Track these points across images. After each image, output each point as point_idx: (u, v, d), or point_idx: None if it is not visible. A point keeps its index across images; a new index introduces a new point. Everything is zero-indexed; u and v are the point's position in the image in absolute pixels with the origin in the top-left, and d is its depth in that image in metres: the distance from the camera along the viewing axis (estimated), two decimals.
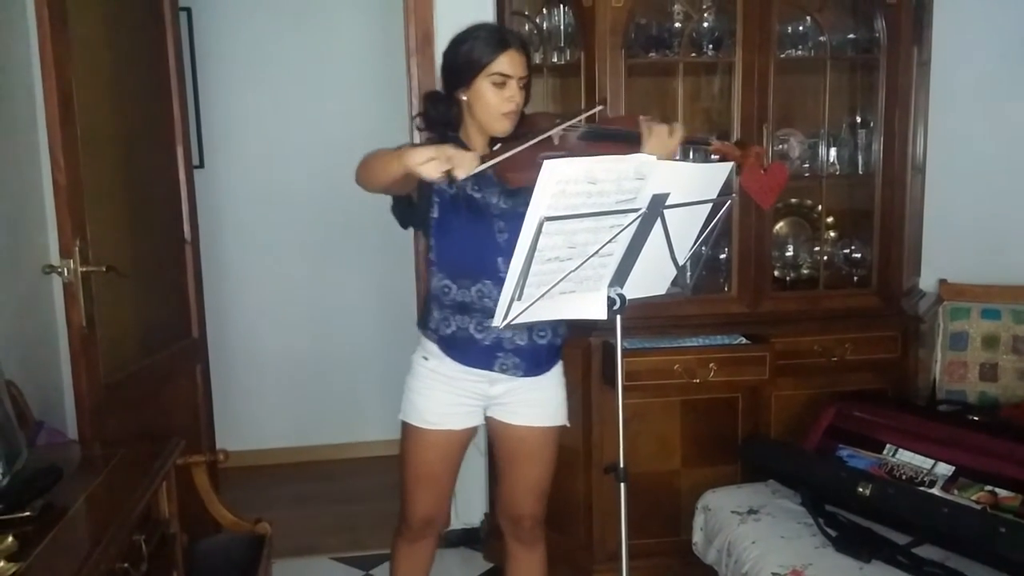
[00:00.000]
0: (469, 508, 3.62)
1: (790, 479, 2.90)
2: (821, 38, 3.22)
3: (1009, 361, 3.49)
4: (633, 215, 1.85)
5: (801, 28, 3.25)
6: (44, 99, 2.53)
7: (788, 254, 3.50)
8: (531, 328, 2.29)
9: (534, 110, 2.39)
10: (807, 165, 3.41)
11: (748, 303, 3.21)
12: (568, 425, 2.48)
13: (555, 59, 3.28)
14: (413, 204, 2.26)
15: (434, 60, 3.31)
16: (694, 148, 2.96)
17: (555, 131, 2.10)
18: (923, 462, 2.74)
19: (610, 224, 1.84)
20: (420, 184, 2.11)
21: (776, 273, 3.40)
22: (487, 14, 3.28)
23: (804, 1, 3.21)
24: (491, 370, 2.31)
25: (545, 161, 1.66)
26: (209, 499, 2.75)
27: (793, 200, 3.51)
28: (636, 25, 3.13)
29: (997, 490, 2.56)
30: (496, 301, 1.93)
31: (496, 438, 2.47)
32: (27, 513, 1.74)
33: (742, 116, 3.11)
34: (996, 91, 3.60)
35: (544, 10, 3.32)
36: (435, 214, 2.24)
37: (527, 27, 3.30)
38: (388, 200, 2.31)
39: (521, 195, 1.72)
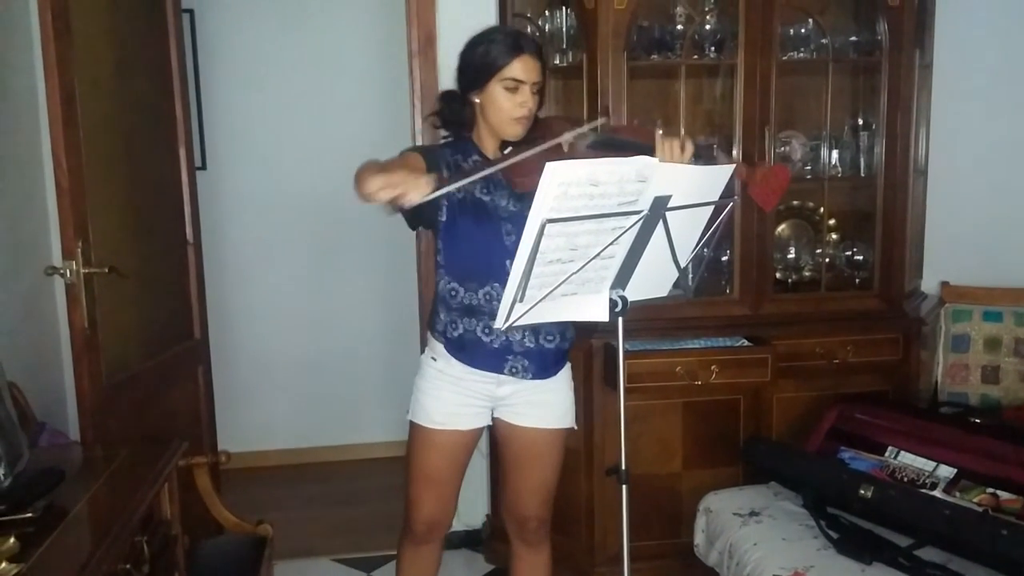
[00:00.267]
0: (471, 510, 3.62)
1: (792, 481, 2.90)
2: (823, 40, 3.23)
3: (1011, 363, 3.48)
4: (635, 217, 1.85)
5: (803, 30, 3.26)
6: (47, 100, 2.53)
7: (790, 256, 3.50)
8: (538, 332, 2.29)
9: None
10: (809, 167, 3.42)
11: (750, 305, 3.21)
12: (575, 428, 2.47)
13: (557, 61, 3.28)
14: (421, 206, 2.25)
15: (436, 62, 3.32)
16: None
17: (564, 138, 2.10)
18: (925, 464, 2.74)
19: (612, 226, 1.84)
20: None
21: (778, 275, 3.40)
22: (489, 16, 3.29)
23: (806, 3, 3.21)
24: (501, 373, 2.31)
25: (547, 163, 1.67)
26: (211, 500, 2.75)
27: (795, 202, 3.51)
28: (638, 27, 3.13)
29: (999, 492, 2.56)
30: None
31: (503, 439, 2.46)
32: (29, 514, 1.74)
33: (744, 118, 3.11)
34: (998, 93, 3.60)
35: (546, 12, 3.32)
36: (443, 217, 2.25)
37: (529, 29, 3.30)
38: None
39: (529, 199, 1.72)
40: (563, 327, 2.34)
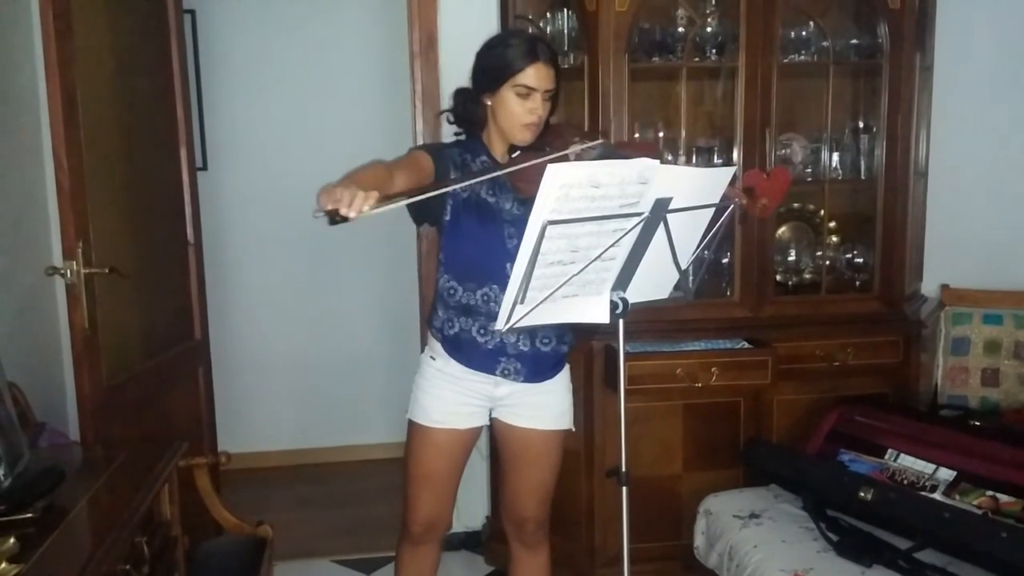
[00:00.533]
0: (471, 512, 3.62)
1: (792, 483, 2.90)
2: (824, 43, 3.23)
3: (1011, 366, 3.49)
4: (636, 219, 1.85)
5: (804, 33, 3.26)
6: (48, 100, 2.53)
7: (790, 259, 3.50)
8: (535, 334, 2.30)
9: None
10: (809, 170, 3.42)
11: (750, 307, 3.21)
12: (573, 430, 2.47)
13: (560, 68, 3.27)
14: (428, 202, 2.26)
15: (437, 63, 3.32)
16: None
17: (572, 151, 2.11)
18: (925, 467, 2.74)
19: (613, 228, 1.84)
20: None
21: (778, 278, 3.39)
22: (490, 18, 3.29)
23: (807, 6, 3.22)
24: (493, 374, 2.31)
25: (548, 165, 1.67)
26: (211, 501, 2.75)
27: (795, 205, 3.51)
28: (640, 30, 3.13)
29: (998, 495, 2.56)
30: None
31: (501, 440, 2.47)
32: (29, 515, 1.74)
33: (745, 121, 3.11)
34: (999, 96, 3.60)
35: (548, 14, 3.32)
36: (447, 216, 2.26)
37: (530, 31, 3.30)
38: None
39: (532, 205, 1.72)
40: (560, 330, 2.35)
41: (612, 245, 1.86)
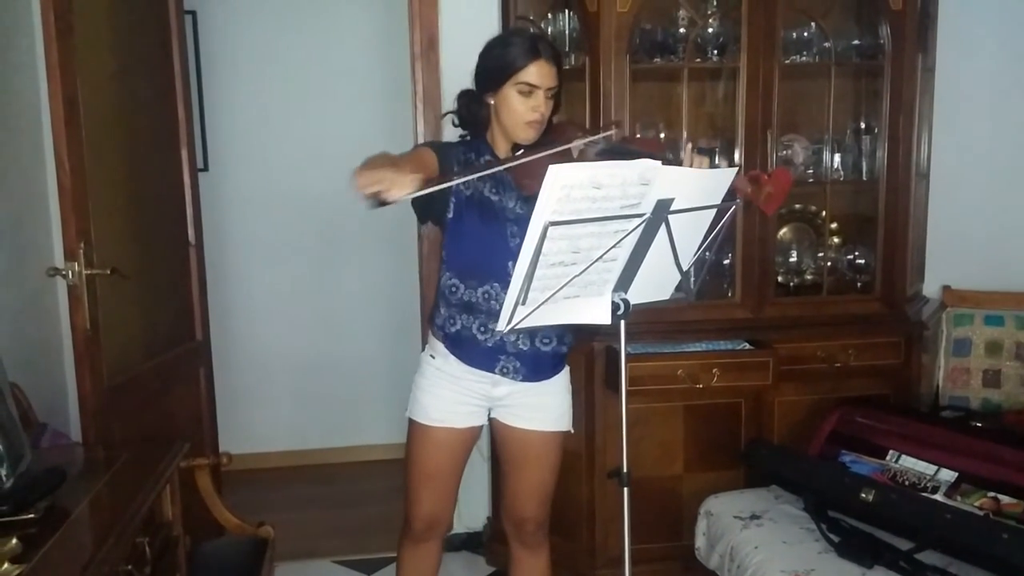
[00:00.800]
0: (472, 512, 3.62)
1: (793, 484, 2.90)
2: (826, 44, 3.23)
3: (1012, 367, 3.49)
4: (637, 220, 1.85)
5: (806, 34, 3.26)
6: (49, 101, 2.53)
7: (792, 260, 3.50)
8: (535, 334, 2.30)
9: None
10: (811, 171, 3.42)
11: (752, 308, 3.21)
12: (572, 431, 2.48)
13: (562, 66, 3.27)
14: (432, 199, 2.26)
15: (438, 64, 3.32)
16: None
17: (574, 144, 2.11)
18: (926, 468, 2.74)
19: (614, 229, 1.84)
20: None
21: (780, 279, 3.40)
22: (492, 18, 3.29)
23: (809, 7, 3.22)
24: (492, 372, 2.32)
25: (550, 166, 1.67)
26: (212, 502, 2.75)
27: (797, 206, 3.51)
28: (641, 30, 3.14)
29: (1000, 496, 2.56)
30: (503, 304, 1.93)
31: (500, 441, 2.47)
32: (31, 515, 1.75)
33: (746, 122, 3.11)
34: (1000, 98, 3.60)
35: (549, 15, 3.32)
36: (450, 213, 2.26)
37: (532, 31, 3.30)
38: (392, 205, 2.30)
39: (536, 203, 1.72)
40: (560, 331, 2.35)
41: (614, 246, 1.86)
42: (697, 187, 1.93)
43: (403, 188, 1.79)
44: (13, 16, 2.62)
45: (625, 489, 2.09)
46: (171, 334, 3.23)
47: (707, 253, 2.10)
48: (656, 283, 2.05)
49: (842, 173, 3.41)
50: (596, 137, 2.16)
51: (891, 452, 2.84)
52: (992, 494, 2.57)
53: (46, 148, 2.66)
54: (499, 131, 2.29)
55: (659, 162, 1.79)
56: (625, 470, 2.09)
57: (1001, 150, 3.62)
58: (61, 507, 1.82)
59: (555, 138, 2.22)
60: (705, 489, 3.06)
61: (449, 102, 2.44)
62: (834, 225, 3.48)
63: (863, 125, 3.43)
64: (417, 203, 2.30)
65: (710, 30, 3.17)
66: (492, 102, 2.25)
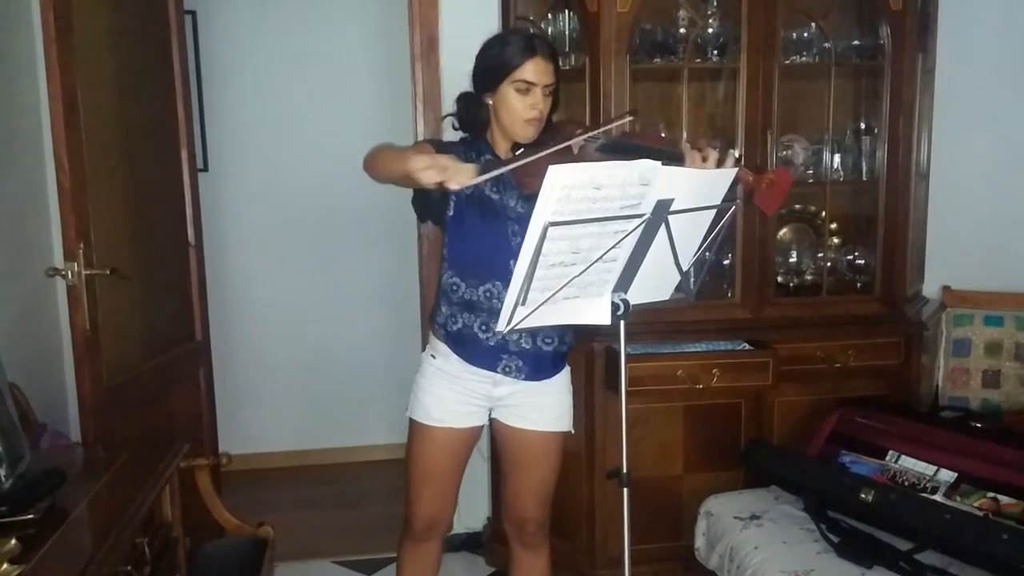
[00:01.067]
0: (472, 513, 3.62)
1: (793, 485, 2.90)
2: (826, 44, 3.23)
3: (1012, 368, 3.48)
4: (637, 220, 1.85)
5: (806, 34, 3.26)
6: (49, 101, 2.53)
7: (792, 260, 3.50)
8: (536, 333, 2.30)
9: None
10: (811, 171, 3.42)
11: (751, 309, 3.21)
12: (572, 431, 2.48)
13: (560, 64, 3.27)
14: (432, 198, 2.26)
15: (439, 65, 3.32)
16: None
17: (575, 141, 2.11)
18: (925, 468, 2.74)
19: (614, 229, 1.84)
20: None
21: (779, 279, 3.40)
22: (492, 19, 3.29)
23: (809, 7, 3.22)
24: (494, 371, 2.32)
25: (550, 166, 1.67)
26: (212, 502, 2.75)
27: (797, 206, 3.51)
28: (641, 30, 3.13)
29: (999, 497, 2.56)
30: (504, 303, 1.93)
31: (501, 441, 2.47)
32: (30, 516, 1.75)
33: (746, 122, 3.11)
34: (1000, 98, 3.60)
35: (549, 15, 3.32)
36: (451, 212, 2.27)
37: (531, 30, 3.30)
38: (392, 205, 2.32)
39: (536, 201, 1.73)
40: (562, 330, 2.35)
41: (614, 246, 1.86)
42: (697, 187, 1.93)
43: (466, 176, 1.85)
44: (13, 16, 2.62)
45: (625, 489, 2.09)
46: (171, 334, 3.22)
47: (707, 253, 2.09)
48: (656, 283, 2.05)
49: (842, 173, 3.41)
50: (595, 133, 2.15)
51: (891, 452, 2.84)
52: (991, 494, 2.57)
53: (46, 148, 2.66)
54: (499, 131, 2.29)
55: (659, 163, 1.79)
56: (625, 470, 2.09)
57: (1001, 150, 3.62)
58: (61, 507, 1.82)
59: (555, 136, 2.21)
60: (705, 489, 3.06)
61: (449, 102, 2.44)
62: (834, 225, 3.48)
63: (863, 125, 3.43)
64: (417, 202, 2.30)
65: (710, 30, 3.17)
66: (490, 102, 2.25)
